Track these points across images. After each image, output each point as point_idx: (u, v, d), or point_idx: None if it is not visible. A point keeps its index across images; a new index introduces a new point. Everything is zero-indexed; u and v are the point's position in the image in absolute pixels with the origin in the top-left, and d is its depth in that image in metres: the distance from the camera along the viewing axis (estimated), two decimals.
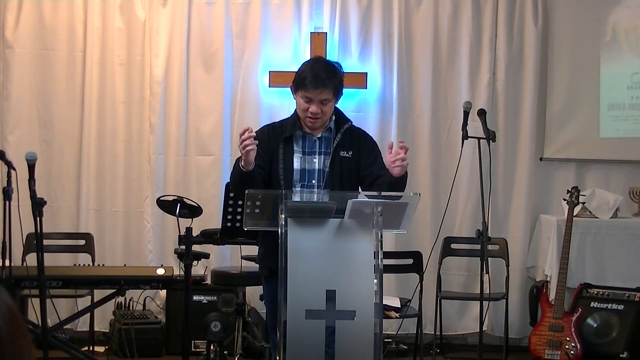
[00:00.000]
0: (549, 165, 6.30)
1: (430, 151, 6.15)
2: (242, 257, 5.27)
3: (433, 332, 5.76)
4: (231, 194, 4.60)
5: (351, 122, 3.80)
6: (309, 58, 5.99)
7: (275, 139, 3.69)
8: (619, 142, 6.27)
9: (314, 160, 3.67)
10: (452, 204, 5.43)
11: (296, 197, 3.59)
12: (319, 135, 3.71)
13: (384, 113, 6.12)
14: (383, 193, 3.61)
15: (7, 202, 4.34)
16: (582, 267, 5.85)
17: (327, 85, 3.58)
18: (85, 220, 6.01)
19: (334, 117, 3.73)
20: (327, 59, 3.84)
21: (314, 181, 3.65)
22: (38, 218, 4.18)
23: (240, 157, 3.55)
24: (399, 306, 5.51)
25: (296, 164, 3.66)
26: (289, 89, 6.14)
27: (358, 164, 3.73)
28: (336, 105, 3.75)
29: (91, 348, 5.54)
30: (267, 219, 3.58)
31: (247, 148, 3.44)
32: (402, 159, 3.54)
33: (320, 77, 3.58)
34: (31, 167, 4.23)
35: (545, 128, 6.24)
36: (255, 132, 3.59)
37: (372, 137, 3.87)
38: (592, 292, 5.69)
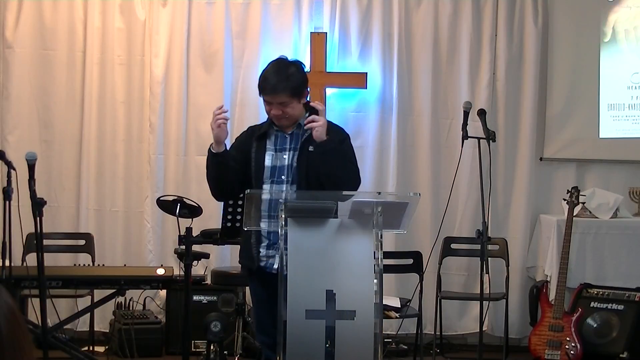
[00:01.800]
0: (549, 165, 6.30)
1: (430, 151, 6.15)
2: None
3: (433, 332, 5.76)
4: None
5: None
6: (310, 57, 6.03)
7: (250, 139, 3.80)
8: (618, 142, 6.27)
9: (284, 156, 3.71)
10: (452, 204, 5.43)
11: (265, 195, 3.65)
12: (290, 132, 3.75)
13: (384, 113, 6.12)
14: (382, 193, 3.63)
15: (7, 202, 4.34)
16: (582, 267, 5.85)
17: (278, 90, 3.63)
18: (85, 220, 6.01)
19: (307, 114, 3.74)
20: (287, 58, 3.79)
21: (283, 177, 3.68)
22: (38, 218, 4.18)
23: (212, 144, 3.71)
24: (399, 306, 5.51)
25: (267, 161, 3.71)
26: None
27: None
28: (309, 102, 3.81)
29: (91, 348, 5.54)
30: (266, 219, 3.60)
31: (219, 121, 3.64)
32: (311, 120, 3.62)
33: (270, 82, 3.65)
34: (31, 167, 4.23)
35: (545, 128, 6.24)
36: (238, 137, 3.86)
37: (343, 132, 3.84)
38: (592, 292, 5.69)
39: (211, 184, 3.82)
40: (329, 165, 3.61)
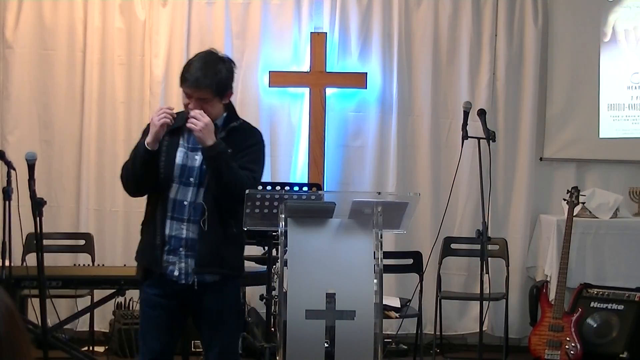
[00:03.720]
0: (549, 165, 6.30)
1: (430, 151, 6.15)
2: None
3: (433, 332, 5.76)
4: None
5: (241, 121, 3.54)
6: (310, 57, 6.03)
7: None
8: (618, 142, 6.27)
9: (196, 157, 3.40)
10: (452, 204, 5.43)
11: (171, 194, 3.38)
12: None
13: (384, 113, 6.12)
14: (382, 193, 3.60)
15: (7, 202, 4.34)
16: (582, 267, 5.85)
17: (201, 85, 3.33)
18: (85, 220, 6.01)
19: (224, 115, 3.49)
20: (218, 53, 3.51)
21: (191, 179, 3.37)
22: (38, 218, 4.18)
23: (142, 139, 3.38)
24: (399, 306, 5.51)
25: (179, 159, 3.40)
26: (289, 89, 6.21)
27: None
28: (230, 102, 3.54)
29: (91, 348, 5.53)
30: (266, 219, 3.58)
31: (164, 120, 3.30)
32: (193, 121, 3.28)
33: (194, 75, 3.35)
34: (31, 167, 4.23)
35: (545, 128, 6.25)
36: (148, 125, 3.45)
37: (257, 138, 3.54)
38: (592, 292, 5.69)
39: (131, 180, 3.47)
40: (215, 171, 3.33)
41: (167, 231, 3.38)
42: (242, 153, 3.43)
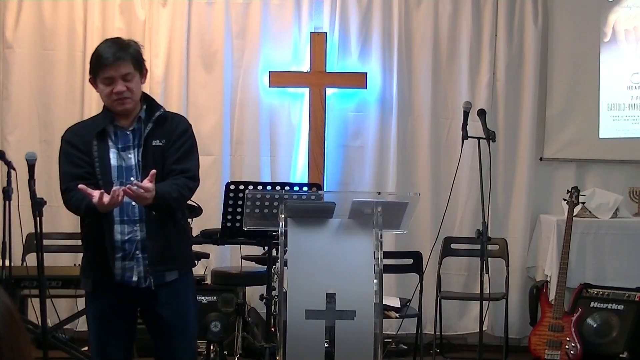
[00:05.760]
0: (549, 165, 6.30)
1: (430, 151, 6.15)
2: (242, 257, 5.27)
3: (433, 332, 5.77)
4: (231, 194, 4.60)
5: (163, 108, 3.42)
6: (310, 57, 6.04)
7: (89, 137, 3.30)
8: (618, 142, 6.27)
9: (130, 155, 3.29)
10: (452, 204, 5.44)
11: None
12: (131, 128, 3.32)
13: (384, 113, 6.12)
14: (382, 193, 3.60)
15: (7, 202, 4.34)
16: (582, 267, 5.85)
17: (122, 57, 3.26)
18: None
19: (145, 107, 3.36)
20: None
21: (132, 178, 3.24)
22: (38, 218, 4.18)
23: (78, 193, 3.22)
24: (399, 306, 5.51)
25: (113, 161, 3.28)
26: (289, 89, 6.21)
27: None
28: (146, 93, 3.46)
29: None
30: (266, 219, 3.58)
31: (120, 199, 3.16)
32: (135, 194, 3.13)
33: (110, 52, 3.26)
34: (31, 167, 4.22)
35: (545, 128, 6.25)
36: (62, 136, 3.37)
37: (186, 124, 3.43)
38: (592, 292, 5.69)
39: (80, 215, 3.46)
40: (169, 206, 3.25)
41: (118, 237, 3.27)
42: (176, 145, 3.32)
